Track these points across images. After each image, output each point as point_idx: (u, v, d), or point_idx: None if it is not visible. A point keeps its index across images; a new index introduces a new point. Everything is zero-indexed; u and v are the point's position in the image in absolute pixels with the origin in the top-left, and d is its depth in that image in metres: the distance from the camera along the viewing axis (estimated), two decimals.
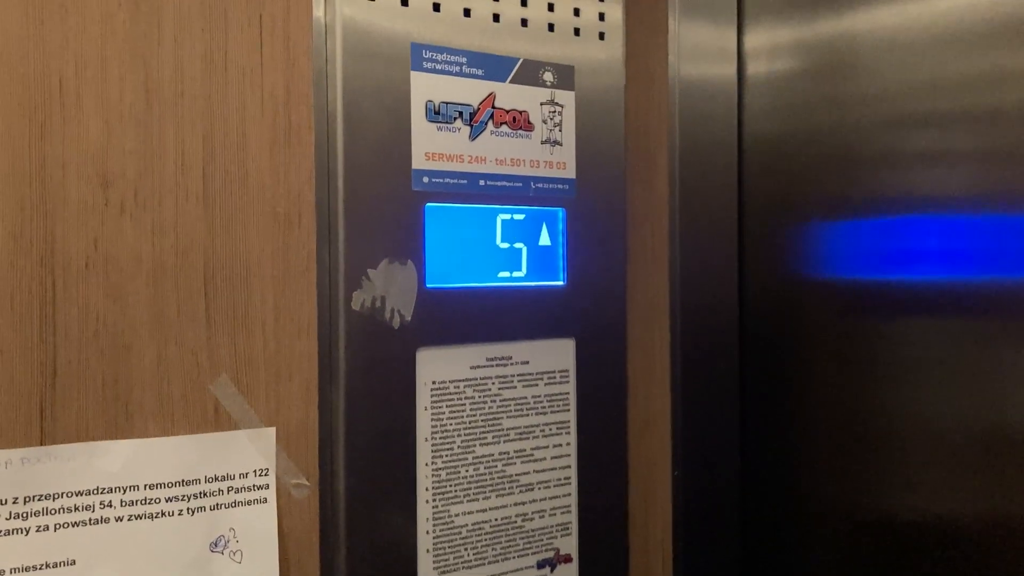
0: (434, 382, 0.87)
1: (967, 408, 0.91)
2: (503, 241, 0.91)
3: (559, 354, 0.94)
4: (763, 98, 1.13)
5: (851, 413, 1.02)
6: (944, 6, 0.92)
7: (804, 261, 1.08)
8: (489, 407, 0.90)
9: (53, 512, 0.69)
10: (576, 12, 0.96)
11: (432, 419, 0.87)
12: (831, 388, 1.05)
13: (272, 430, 0.79)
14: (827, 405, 1.05)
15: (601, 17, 0.97)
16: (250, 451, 0.78)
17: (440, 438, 0.87)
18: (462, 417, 0.89)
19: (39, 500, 0.69)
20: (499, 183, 0.90)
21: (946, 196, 0.92)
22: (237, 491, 0.77)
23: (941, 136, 0.93)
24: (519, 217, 0.92)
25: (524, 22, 0.92)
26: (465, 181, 0.88)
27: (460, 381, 0.88)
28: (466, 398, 0.89)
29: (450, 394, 0.88)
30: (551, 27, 0.94)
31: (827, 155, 1.05)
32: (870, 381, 1.00)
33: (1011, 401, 0.87)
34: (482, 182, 0.89)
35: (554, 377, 0.94)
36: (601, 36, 0.97)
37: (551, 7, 0.94)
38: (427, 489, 0.86)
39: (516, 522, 0.92)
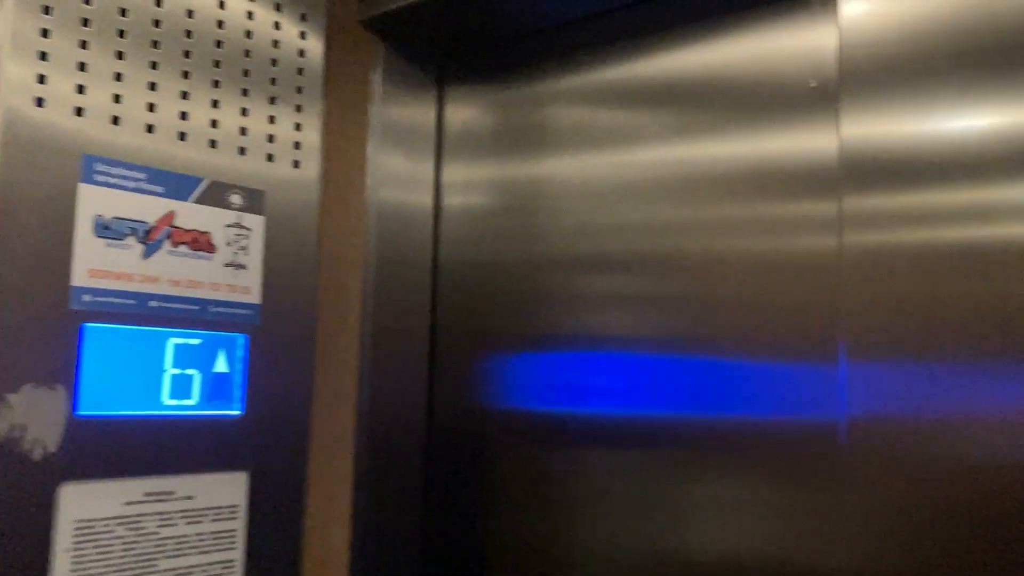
0: (79, 521, 0.79)
1: (645, 536, 0.96)
2: (174, 367, 0.86)
3: (229, 488, 0.89)
4: (458, 229, 1.19)
5: (536, 541, 1.05)
6: (620, 160, 1.02)
7: (493, 392, 1.12)
8: (143, 547, 0.83)
9: None
10: (271, 138, 0.96)
11: (73, 562, 0.78)
12: (516, 517, 1.08)
13: None
14: (513, 533, 1.08)
15: (297, 145, 0.98)
16: None
17: None
18: (110, 559, 0.80)
19: None
20: (173, 305, 0.86)
21: (622, 335, 1.00)
22: None
23: (620, 278, 1.01)
24: (194, 342, 0.88)
25: (213, 143, 0.90)
26: (134, 301, 0.83)
27: (111, 519, 0.81)
28: (116, 537, 0.81)
29: (97, 533, 0.80)
30: (242, 151, 0.93)
31: (515, 289, 1.11)
32: (553, 509, 1.04)
33: (685, 529, 0.94)
34: (154, 303, 0.85)
35: (222, 513, 0.89)
36: (296, 164, 0.98)
37: (243, 131, 0.93)
38: None
39: None
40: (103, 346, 0.81)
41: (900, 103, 0.77)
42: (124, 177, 0.83)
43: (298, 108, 0.98)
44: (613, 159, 1.03)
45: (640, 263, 1.00)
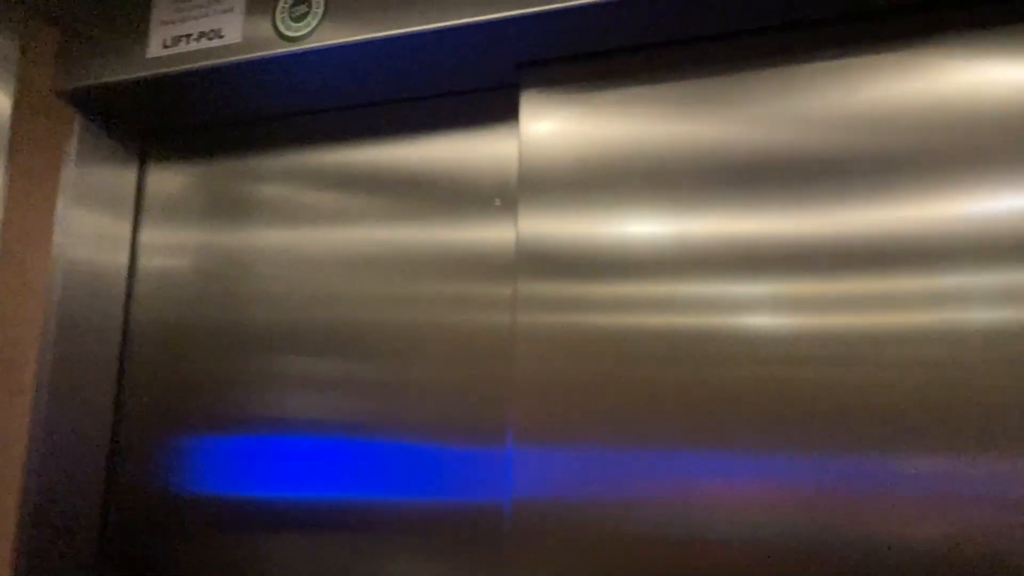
0: None
1: None
2: None
3: None
4: (155, 292, 1.16)
5: None
6: (324, 238, 1.06)
7: (181, 475, 1.09)
8: None
9: None
10: None
11: None
12: None
13: None
14: None
15: None
16: None
17: None
18: None
19: None
20: None
21: (312, 417, 1.03)
22: None
23: (312, 358, 1.05)
24: None
25: None
26: None
27: None
28: None
29: None
30: None
31: (208, 361, 1.11)
32: None
33: None
34: None
35: None
36: None
37: None
38: None
39: None
40: None
41: (567, 208, 0.90)
42: None
43: None
44: (317, 236, 1.06)
45: (335, 342, 1.03)
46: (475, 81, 0.99)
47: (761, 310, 0.81)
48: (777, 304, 0.81)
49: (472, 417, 0.96)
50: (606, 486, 0.84)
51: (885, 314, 0.77)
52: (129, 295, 1.16)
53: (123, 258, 1.17)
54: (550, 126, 0.92)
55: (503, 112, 0.99)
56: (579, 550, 0.84)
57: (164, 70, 0.98)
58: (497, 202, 0.98)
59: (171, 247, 1.15)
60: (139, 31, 1.00)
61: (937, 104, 0.79)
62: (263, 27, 0.95)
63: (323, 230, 1.07)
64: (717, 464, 0.81)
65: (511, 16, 0.85)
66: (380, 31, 0.89)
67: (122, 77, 1.00)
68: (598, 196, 0.89)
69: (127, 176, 1.17)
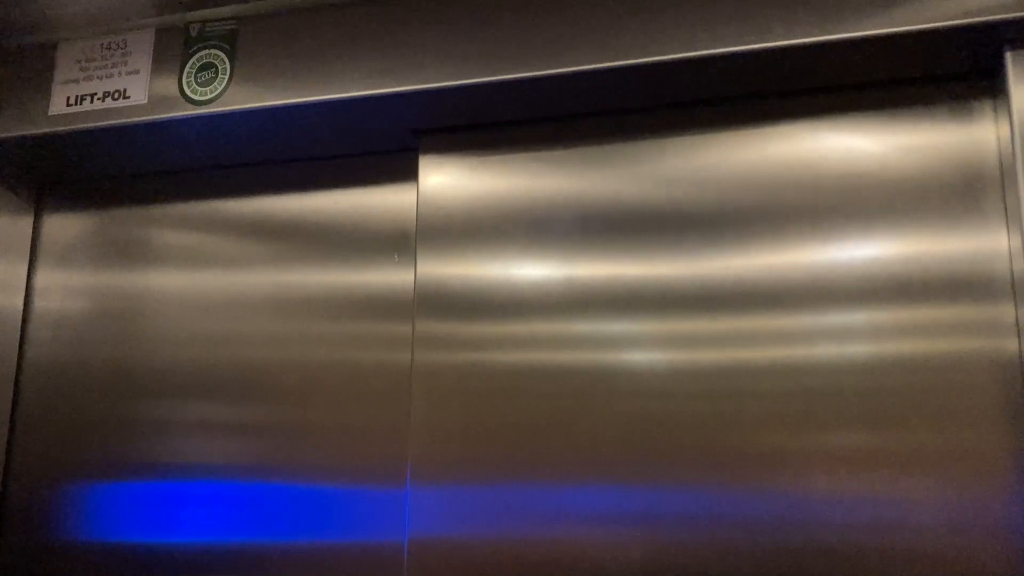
0: None
1: None
2: None
3: None
4: (49, 338, 1.16)
5: None
6: (226, 281, 1.09)
7: (74, 522, 1.09)
8: None
9: None
10: None
11: None
12: None
13: None
14: None
15: None
16: None
17: None
18: None
19: None
20: None
21: (210, 462, 1.05)
22: None
23: (211, 401, 1.07)
24: None
25: None
26: None
27: None
28: None
29: None
30: None
31: (105, 406, 1.11)
32: None
33: None
34: None
35: None
36: None
37: None
38: None
39: None
40: None
41: (461, 254, 0.97)
42: None
43: None
44: (219, 281, 1.10)
45: (235, 384, 1.06)
46: (377, 145, 1.05)
47: (640, 347, 0.90)
48: (654, 341, 0.90)
49: (373, 457, 1.00)
50: (501, 522, 0.90)
51: (745, 350, 0.87)
52: (23, 338, 1.16)
53: (17, 301, 1.17)
54: (446, 182, 0.99)
55: (403, 171, 1.05)
56: None
57: (66, 127, 1.00)
58: (396, 257, 1.04)
59: (67, 291, 1.16)
60: (41, 89, 1.02)
61: (785, 170, 0.91)
62: (169, 89, 0.98)
63: (225, 275, 1.10)
64: (606, 497, 0.87)
65: (408, 91, 0.91)
66: (285, 99, 0.95)
67: (21, 133, 1.02)
68: (490, 244, 0.96)
69: (21, 224, 1.17)
